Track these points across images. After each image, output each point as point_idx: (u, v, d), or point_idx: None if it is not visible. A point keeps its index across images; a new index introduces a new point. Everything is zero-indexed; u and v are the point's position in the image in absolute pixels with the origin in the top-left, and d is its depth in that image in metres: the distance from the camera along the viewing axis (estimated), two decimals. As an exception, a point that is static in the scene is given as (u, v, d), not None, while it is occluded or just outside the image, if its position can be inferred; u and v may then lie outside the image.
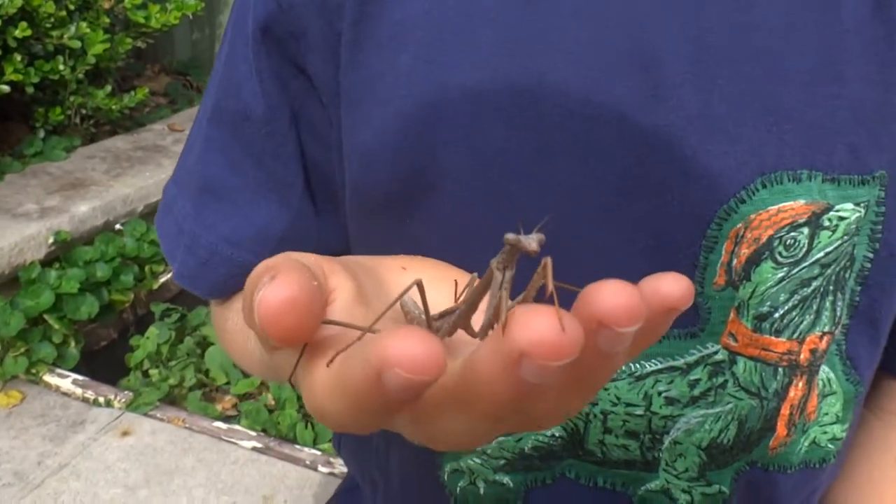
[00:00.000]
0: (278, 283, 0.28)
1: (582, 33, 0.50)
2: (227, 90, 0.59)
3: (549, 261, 0.30)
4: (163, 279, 2.41)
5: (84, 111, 2.86)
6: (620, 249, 0.52)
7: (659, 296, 0.28)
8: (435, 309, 0.36)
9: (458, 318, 0.35)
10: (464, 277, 0.43)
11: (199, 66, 3.89)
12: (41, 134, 2.75)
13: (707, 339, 0.54)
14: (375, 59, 0.53)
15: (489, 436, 0.29)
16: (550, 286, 0.29)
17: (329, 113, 0.56)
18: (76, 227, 2.30)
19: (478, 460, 0.60)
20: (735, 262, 0.52)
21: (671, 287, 0.27)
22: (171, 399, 2.00)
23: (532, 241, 0.31)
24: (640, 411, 0.56)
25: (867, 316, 0.57)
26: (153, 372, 2.07)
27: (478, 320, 0.35)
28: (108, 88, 2.80)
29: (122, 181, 2.55)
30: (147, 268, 2.38)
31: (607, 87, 0.50)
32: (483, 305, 0.35)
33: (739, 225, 0.51)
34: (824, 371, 0.58)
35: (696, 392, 0.55)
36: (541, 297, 0.30)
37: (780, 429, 0.58)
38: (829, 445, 0.62)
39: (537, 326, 0.23)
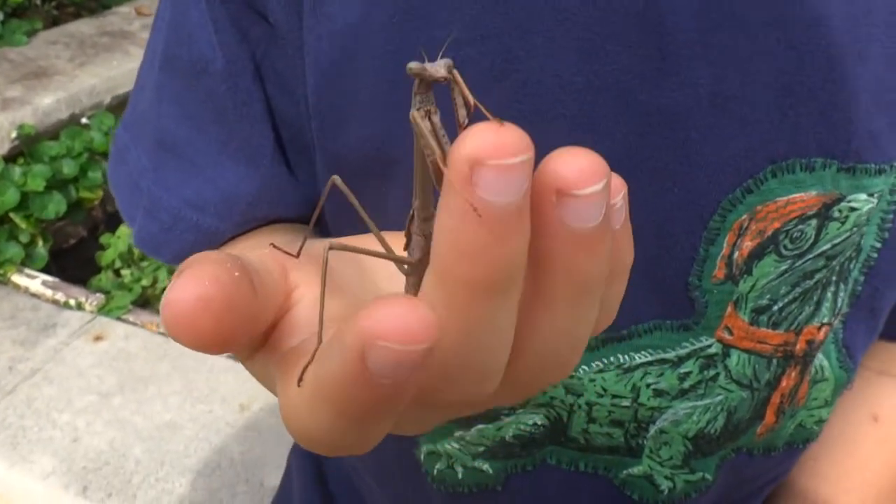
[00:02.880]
0: (184, 279, 0.24)
1: None
2: (178, 36, 0.53)
3: (453, 70, 0.27)
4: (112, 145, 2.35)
5: (45, -8, 2.73)
6: None
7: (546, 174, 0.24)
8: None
9: (419, 231, 0.31)
10: None
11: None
12: (0, 17, 2.63)
13: (701, 332, 0.52)
14: (343, 11, 0.47)
15: (377, 437, 0.26)
16: (469, 97, 0.27)
17: (295, 63, 0.51)
18: (40, 121, 2.22)
19: (456, 445, 0.58)
20: (737, 254, 0.49)
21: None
22: (145, 300, 1.98)
23: (439, 67, 0.28)
24: (626, 402, 0.54)
25: (868, 305, 0.55)
26: (125, 272, 2.05)
27: None
28: (70, -32, 2.67)
29: (87, 70, 2.46)
30: (116, 163, 2.32)
31: (607, 54, 0.44)
32: None
33: (744, 216, 0.47)
34: (818, 358, 0.56)
35: (686, 385, 0.53)
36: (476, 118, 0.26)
37: (769, 416, 0.57)
38: (815, 427, 0.61)
39: (485, 134, 0.21)
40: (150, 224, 0.56)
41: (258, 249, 0.34)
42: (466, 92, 0.27)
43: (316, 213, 0.35)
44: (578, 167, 0.23)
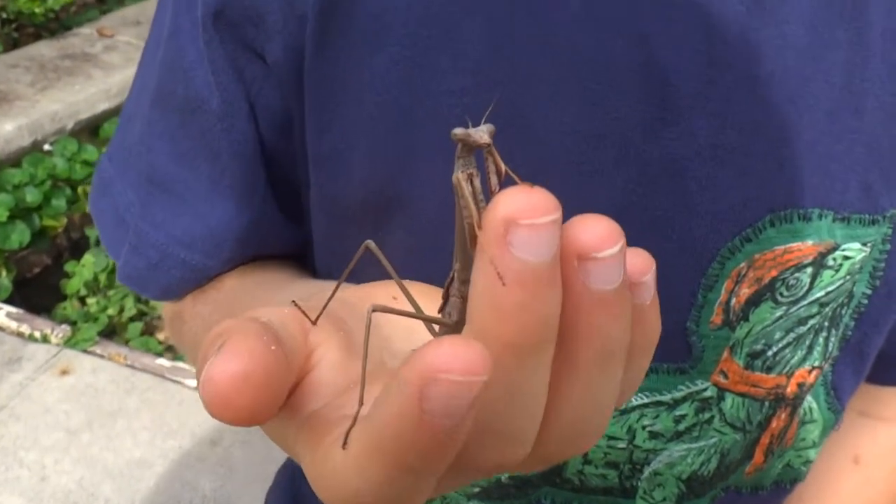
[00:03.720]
0: (225, 355, 0.24)
1: (587, 39, 0.45)
2: (173, 72, 0.53)
3: (490, 143, 0.29)
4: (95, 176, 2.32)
5: (4, 15, 2.68)
6: None
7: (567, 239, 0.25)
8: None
9: (458, 293, 0.31)
10: None
11: (128, -39, 3.67)
12: (-42, 41, 2.59)
13: (697, 376, 0.52)
14: (346, 55, 0.47)
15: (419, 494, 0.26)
16: (501, 164, 0.28)
17: (290, 104, 0.51)
18: (2, 149, 2.18)
19: None
20: (734, 301, 0.49)
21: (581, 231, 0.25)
22: (111, 330, 1.95)
23: (482, 133, 0.28)
24: (622, 444, 0.53)
25: (857, 349, 0.55)
26: (91, 301, 2.01)
27: None
28: (30, -9, 2.63)
29: (49, 95, 2.42)
30: (80, 189, 2.28)
31: (609, 104, 0.45)
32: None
33: (743, 264, 0.48)
34: (807, 400, 0.57)
35: (682, 427, 0.53)
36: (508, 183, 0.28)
37: (758, 456, 0.57)
38: (802, 467, 0.61)
39: (518, 197, 0.23)
40: (135, 260, 0.55)
41: (272, 306, 0.33)
42: (499, 160, 0.28)
43: (343, 277, 0.35)
44: (596, 232, 0.24)
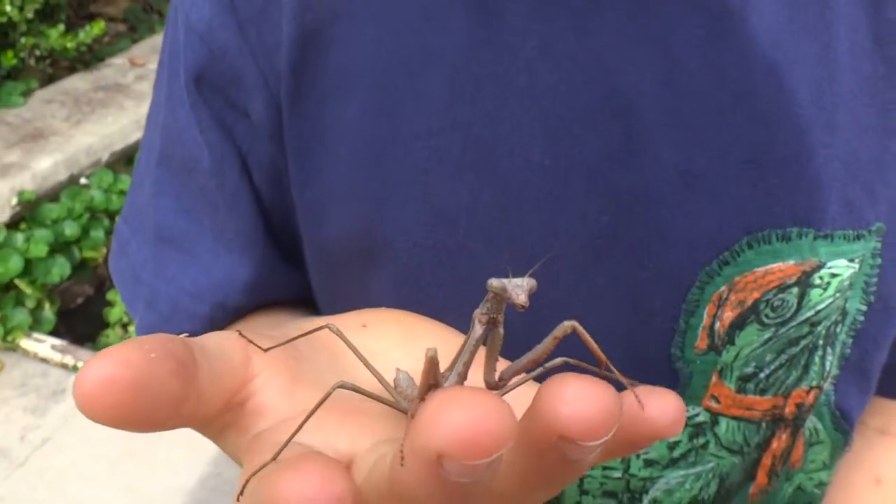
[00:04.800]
0: (96, 360, 0.25)
1: (548, 75, 0.45)
2: (170, 136, 0.55)
3: (573, 326, 0.27)
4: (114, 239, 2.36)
5: (38, 52, 2.74)
6: (594, 312, 0.48)
7: (643, 420, 0.25)
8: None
9: (456, 378, 0.30)
10: (435, 330, 0.40)
11: (157, -11, 3.74)
12: (-4, 80, 2.65)
13: (688, 401, 0.51)
14: (320, 108, 0.48)
15: None
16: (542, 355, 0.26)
17: (278, 158, 0.52)
18: (40, 185, 2.23)
19: None
20: (718, 325, 0.49)
21: (659, 410, 0.25)
22: (153, 357, 1.98)
23: (520, 292, 0.26)
24: (617, 474, 0.53)
25: (858, 367, 0.54)
26: (132, 328, 2.05)
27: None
28: (62, 27, 2.68)
29: (83, 129, 2.47)
30: (118, 219, 2.32)
31: (575, 137, 0.45)
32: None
33: (723, 288, 0.47)
34: (811, 421, 0.56)
35: (676, 454, 0.53)
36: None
37: (761, 477, 0.56)
38: (816, 490, 0.59)
39: (453, 420, 0.20)
40: (150, 315, 0.57)
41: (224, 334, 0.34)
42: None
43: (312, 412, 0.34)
44: (590, 417, 0.22)
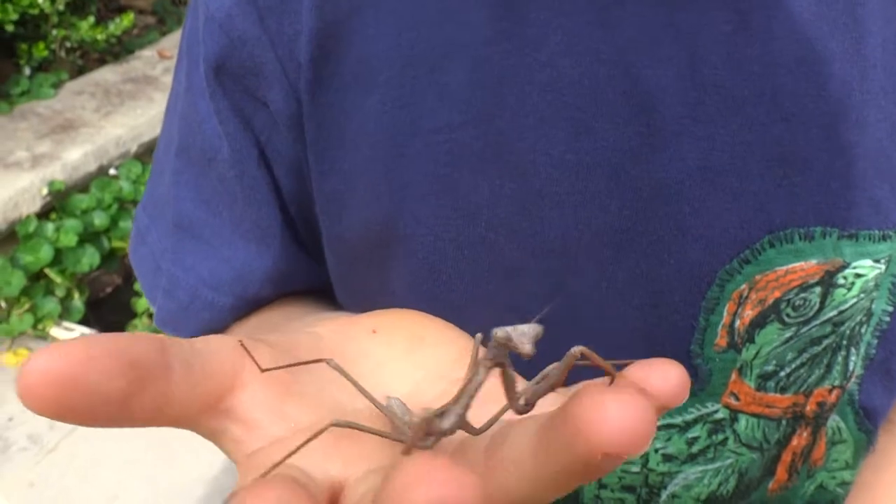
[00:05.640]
0: (42, 351, 0.25)
1: (571, 70, 0.45)
2: (189, 126, 0.55)
3: (581, 351, 0.26)
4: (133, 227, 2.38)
5: (69, 44, 2.77)
6: (614, 307, 0.48)
7: (648, 391, 0.25)
8: (423, 398, 0.32)
9: (456, 418, 0.29)
10: (447, 334, 0.39)
11: (186, -19, 3.76)
12: (27, 72, 2.68)
13: (707, 398, 0.51)
14: (340, 100, 0.48)
15: None
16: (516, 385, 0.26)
17: (298, 149, 0.52)
18: (69, 175, 2.25)
19: None
20: (738, 323, 0.48)
21: (661, 382, 0.25)
22: (180, 346, 2.00)
23: (525, 341, 0.25)
24: (636, 468, 0.53)
25: (883, 368, 0.53)
26: (160, 319, 2.07)
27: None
28: (92, 19, 2.71)
29: (113, 121, 2.49)
30: (145, 210, 2.35)
31: (597, 131, 0.45)
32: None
33: (743, 286, 0.47)
34: (834, 420, 0.55)
35: (695, 449, 0.53)
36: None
37: (781, 473, 0.56)
38: (838, 489, 0.59)
39: (421, 496, 0.20)
40: (168, 304, 0.58)
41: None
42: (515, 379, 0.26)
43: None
44: (633, 429, 0.21)
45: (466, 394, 0.28)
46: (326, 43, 0.48)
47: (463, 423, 0.29)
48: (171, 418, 0.29)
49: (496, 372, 0.28)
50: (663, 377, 0.26)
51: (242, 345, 0.32)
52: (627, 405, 0.21)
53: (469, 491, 0.20)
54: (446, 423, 0.28)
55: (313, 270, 0.57)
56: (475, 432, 0.30)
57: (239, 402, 0.30)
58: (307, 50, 0.48)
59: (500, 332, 0.26)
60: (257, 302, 0.56)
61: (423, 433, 0.28)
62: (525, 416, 0.29)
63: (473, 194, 0.47)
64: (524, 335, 0.25)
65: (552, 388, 0.28)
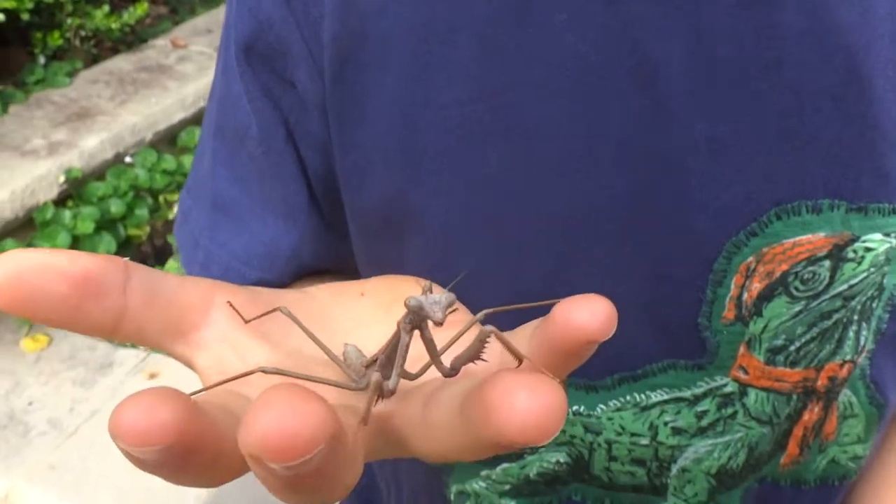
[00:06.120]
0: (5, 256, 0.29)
1: (577, 46, 0.45)
2: (225, 107, 0.57)
3: (490, 332, 0.27)
4: (177, 208, 2.40)
5: (83, 32, 2.79)
6: (620, 279, 0.49)
7: (575, 329, 0.26)
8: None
9: (381, 369, 0.31)
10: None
11: (198, -30, 3.77)
12: (42, 60, 2.70)
13: (715, 371, 0.52)
14: (360, 76, 0.49)
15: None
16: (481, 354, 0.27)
17: (323, 127, 0.54)
18: (86, 163, 2.27)
19: (483, 484, 0.59)
20: (745, 296, 0.48)
21: (588, 318, 0.26)
22: (196, 332, 2.02)
23: (437, 309, 0.27)
24: (645, 441, 0.54)
25: (894, 342, 0.54)
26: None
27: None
28: (106, 8, 2.72)
29: (128, 108, 2.51)
30: (161, 198, 2.37)
31: (603, 104, 0.45)
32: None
33: (750, 259, 0.47)
34: (845, 394, 0.56)
35: (704, 423, 0.53)
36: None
37: (792, 448, 0.56)
38: (850, 464, 0.59)
39: (263, 425, 0.21)
40: (203, 277, 0.60)
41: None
42: (506, 342, 0.27)
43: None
44: (543, 426, 0.23)
45: (398, 357, 0.29)
46: (347, 22, 0.49)
47: (403, 375, 0.31)
48: (131, 333, 0.32)
49: (417, 335, 0.29)
50: (591, 311, 0.26)
51: (230, 304, 0.35)
52: (536, 394, 0.22)
53: (317, 416, 0.21)
54: (391, 383, 0.30)
55: (339, 249, 0.59)
56: (411, 377, 0.32)
57: (206, 336, 0.34)
58: (331, 30, 0.49)
59: (412, 300, 0.27)
60: (286, 276, 0.58)
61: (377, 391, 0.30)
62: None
63: (482, 168, 0.48)
64: (436, 303, 0.27)
65: (472, 360, 0.29)
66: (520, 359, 0.29)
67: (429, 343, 0.29)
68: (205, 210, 0.60)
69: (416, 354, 0.34)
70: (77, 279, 0.29)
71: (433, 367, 0.31)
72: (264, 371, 0.28)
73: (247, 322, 0.35)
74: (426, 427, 0.27)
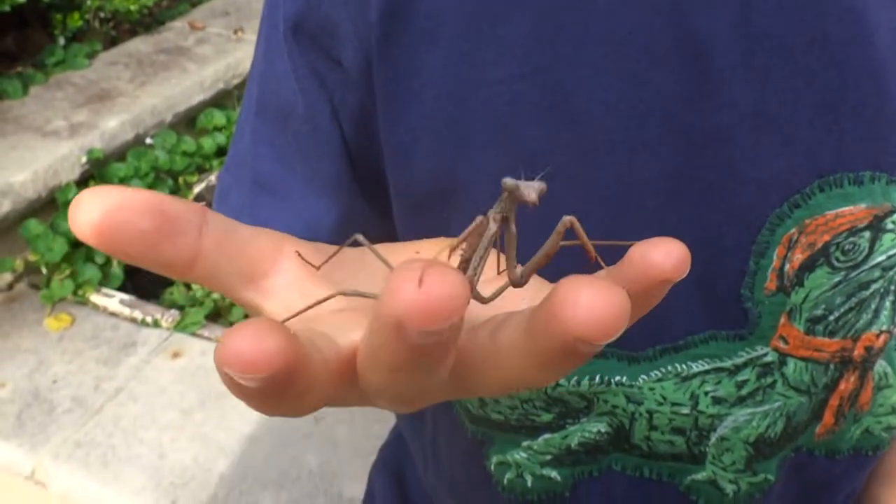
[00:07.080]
0: (88, 192, 0.29)
1: (625, 22, 0.46)
2: (268, 86, 0.58)
3: (571, 221, 0.28)
4: (197, 189, 2.42)
5: (102, 14, 2.80)
6: None
7: (650, 268, 0.27)
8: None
9: (477, 264, 0.32)
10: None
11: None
12: (61, 42, 2.71)
13: (756, 342, 0.53)
14: (408, 54, 0.50)
15: (415, 388, 0.28)
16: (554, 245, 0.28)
17: (368, 105, 0.55)
18: (107, 144, 2.28)
19: (524, 454, 0.60)
20: (787, 267, 0.50)
21: (663, 257, 0.27)
22: (216, 312, 2.03)
23: (531, 190, 0.28)
24: (686, 410, 0.55)
25: None
26: (196, 286, 2.10)
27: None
28: (125, -10, 2.73)
29: (147, 90, 2.52)
30: (181, 179, 2.38)
31: (651, 80, 0.46)
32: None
33: (793, 230, 0.48)
34: (881, 365, 0.56)
35: (744, 392, 0.54)
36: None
37: (828, 418, 0.57)
38: (884, 434, 0.60)
39: (407, 294, 0.22)
40: None
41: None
42: (581, 235, 0.28)
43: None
44: (602, 317, 0.23)
45: (479, 249, 0.30)
46: (395, 1, 0.49)
47: (476, 297, 0.32)
48: (203, 275, 0.32)
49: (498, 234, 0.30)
50: (666, 251, 0.27)
51: (298, 254, 0.36)
52: (599, 292, 0.23)
53: (458, 286, 0.22)
54: (470, 270, 0.31)
55: (379, 226, 0.59)
56: (484, 301, 0.33)
57: (275, 283, 0.34)
58: (377, 8, 0.50)
59: (509, 180, 0.28)
60: None
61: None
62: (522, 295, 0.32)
63: (531, 143, 0.49)
64: (530, 187, 0.28)
65: (547, 258, 0.30)
66: (592, 255, 0.30)
67: (511, 238, 0.30)
68: (245, 188, 0.61)
69: (487, 278, 0.35)
70: (156, 217, 0.30)
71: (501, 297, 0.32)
72: (344, 294, 0.30)
73: (317, 268, 0.36)
74: (495, 353, 0.28)
